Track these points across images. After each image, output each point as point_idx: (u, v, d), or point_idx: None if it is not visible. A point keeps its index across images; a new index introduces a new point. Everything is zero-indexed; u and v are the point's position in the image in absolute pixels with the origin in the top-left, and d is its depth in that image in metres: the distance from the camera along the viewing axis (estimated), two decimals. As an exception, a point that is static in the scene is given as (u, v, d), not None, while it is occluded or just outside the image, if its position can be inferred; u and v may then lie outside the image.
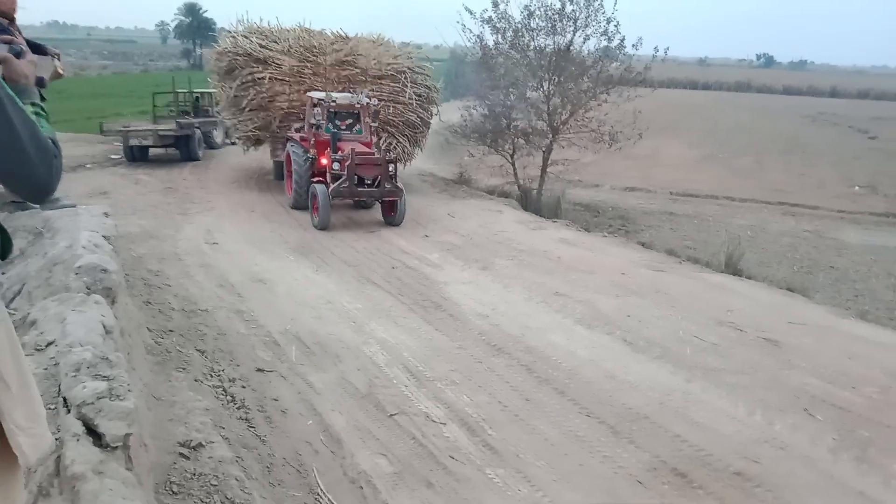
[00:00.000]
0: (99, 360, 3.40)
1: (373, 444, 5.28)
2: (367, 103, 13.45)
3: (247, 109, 15.31)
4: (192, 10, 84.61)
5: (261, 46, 15.50)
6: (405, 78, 15.93)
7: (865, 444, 5.66)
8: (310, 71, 15.49)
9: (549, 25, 16.04)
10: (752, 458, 5.35)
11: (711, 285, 9.98)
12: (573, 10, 15.74)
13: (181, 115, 21.05)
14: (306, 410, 5.78)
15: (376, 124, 14.20)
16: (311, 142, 13.24)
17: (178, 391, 5.73)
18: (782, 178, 22.11)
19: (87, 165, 18.38)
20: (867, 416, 6.14)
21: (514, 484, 4.88)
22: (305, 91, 15.11)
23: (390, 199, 12.47)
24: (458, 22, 16.65)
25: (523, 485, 4.87)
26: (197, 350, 6.74)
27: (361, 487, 4.74)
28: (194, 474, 4.40)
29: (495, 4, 16.06)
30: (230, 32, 16.52)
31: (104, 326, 3.94)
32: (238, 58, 15.41)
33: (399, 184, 12.56)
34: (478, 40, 16.69)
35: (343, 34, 16.90)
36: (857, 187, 20.85)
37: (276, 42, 15.75)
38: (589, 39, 16.19)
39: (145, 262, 9.64)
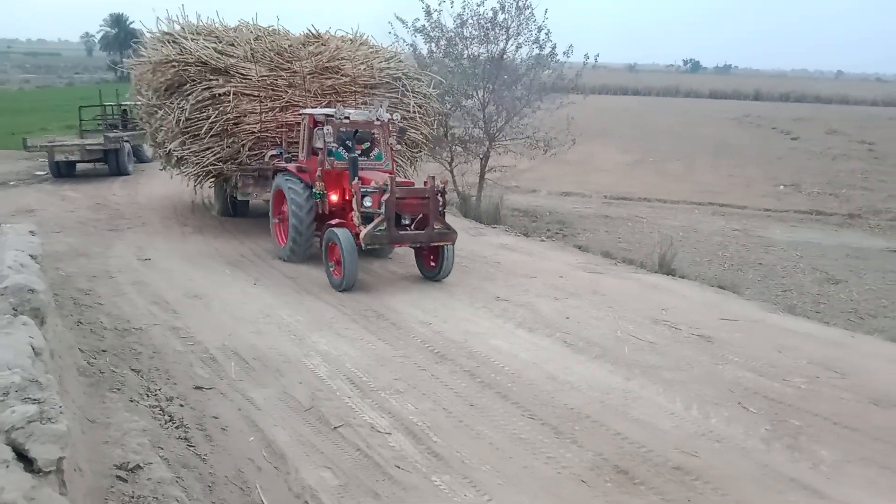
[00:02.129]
0: (28, 382, 3.27)
1: (317, 458, 5.22)
2: (389, 120, 10.74)
3: (208, 136, 11.86)
4: (118, 21, 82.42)
5: (217, 53, 12.28)
6: (403, 86, 13.21)
7: (796, 432, 5.89)
8: (284, 82, 12.34)
9: (482, 34, 16.19)
10: (690, 451, 5.50)
11: (646, 285, 10.22)
12: (505, 19, 15.93)
13: (109, 128, 20.48)
14: (248, 427, 5.69)
15: (400, 146, 11.80)
16: (318, 173, 10.35)
17: (114, 412, 5.56)
18: (711, 179, 22.79)
19: (11, 183, 17.73)
20: (797, 405, 6.38)
21: (460, 489, 4.89)
22: (281, 108, 12.26)
23: (439, 244, 9.72)
24: (389, 32, 16.52)
25: (469, 490, 4.89)
26: (132, 370, 6.56)
27: (307, 502, 4.69)
28: (133, 497, 4.28)
29: (428, 13, 16.13)
30: (169, 35, 12.96)
31: (33, 348, 3.79)
32: (188, 68, 12.03)
33: (450, 224, 9.82)
34: (411, 49, 16.74)
35: (315, 32, 13.81)
36: (781, 186, 21.64)
37: (232, 45, 12.57)
38: (521, 48, 16.40)
39: (75, 281, 9.34)
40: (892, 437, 5.86)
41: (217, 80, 12.01)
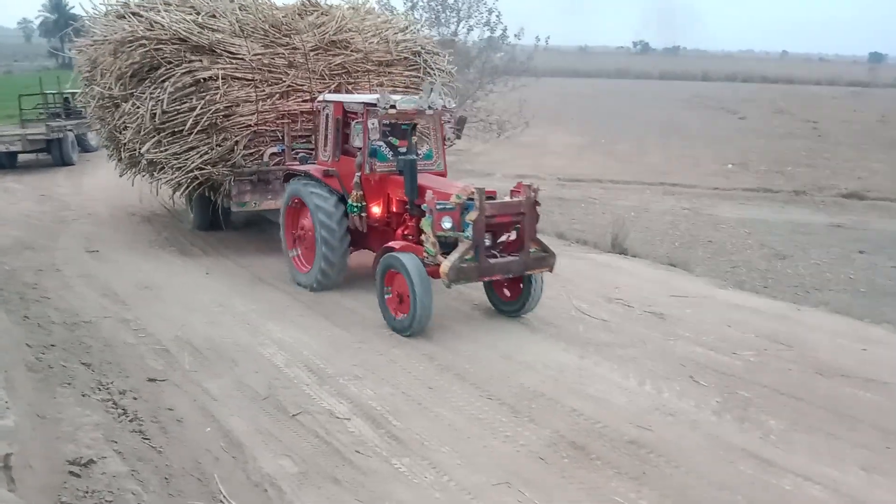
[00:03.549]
0: (-29, 380, 3.19)
1: (276, 446, 5.20)
2: (443, 107, 8.53)
3: (192, 133, 9.71)
4: (57, 6, 79.86)
5: (198, 27, 10.06)
6: (424, 63, 11.22)
7: (746, 404, 6.06)
8: (283, 61, 10.15)
9: (433, 16, 16.17)
10: (644, 426, 5.63)
11: (599, 265, 10.38)
12: (455, 1, 15.93)
13: (51, 117, 19.88)
14: (204, 417, 5.62)
15: (458, 140, 9.27)
16: (356, 179, 8.27)
17: (65, 407, 5.47)
18: (661, 160, 23.15)
19: (-52, 176, 17.11)
20: (746, 378, 6.57)
21: (421, 471, 4.93)
22: (281, 95, 10.03)
23: (536, 272, 7.65)
24: None
25: (429, 471, 4.93)
26: (82, 364, 6.43)
27: (266, 490, 4.67)
28: (87, 492, 4.22)
29: (378, -4, 15.98)
30: (128, 7, 10.77)
31: (-24, 345, 3.70)
32: (163, 47, 9.80)
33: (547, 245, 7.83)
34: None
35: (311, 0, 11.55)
36: (729, 165, 22.10)
37: (214, 17, 10.39)
38: (472, 30, 16.43)
39: (20, 276, 9.09)
40: (835, 406, 6.08)
41: (200, 60, 9.79)
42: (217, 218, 11.39)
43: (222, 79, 9.70)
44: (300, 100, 10.18)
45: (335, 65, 10.50)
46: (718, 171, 21.34)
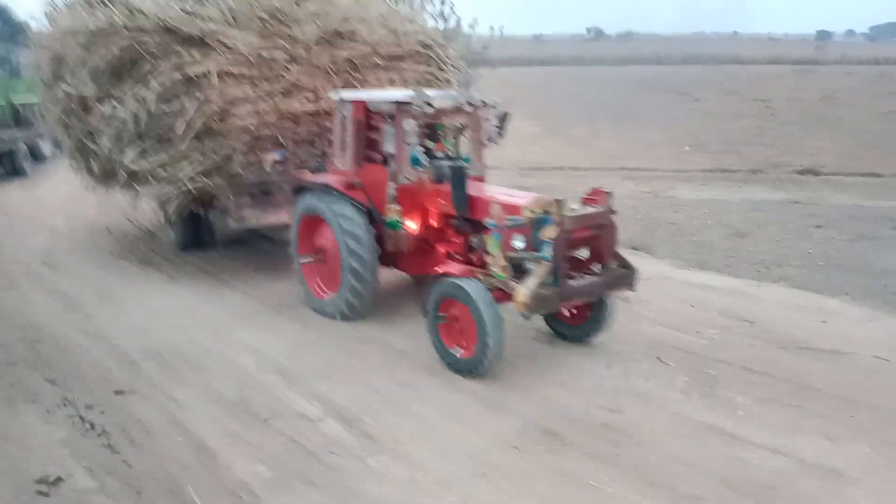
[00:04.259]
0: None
1: (248, 452, 5.16)
2: (483, 104, 7.61)
3: (184, 139, 8.51)
4: (2, 14, 77.72)
5: (186, 14, 8.77)
6: (438, 57, 10.22)
7: (712, 381, 6.19)
8: (283, 55, 8.98)
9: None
10: (614, 409, 5.72)
11: (565, 252, 10.43)
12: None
13: (2, 128, 19.36)
14: (174, 427, 5.56)
15: (502, 139, 7.82)
16: (390, 191, 7.27)
17: (29, 426, 5.37)
18: (619, 144, 23.38)
19: None
20: (711, 355, 6.71)
21: (395, 468, 4.94)
22: (283, 93, 8.87)
23: (617, 291, 6.74)
24: None
25: (403, 467, 4.95)
26: (46, 380, 6.31)
27: (241, 497, 4.64)
28: (56, 511, 4.15)
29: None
30: None
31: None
32: (147, 38, 8.56)
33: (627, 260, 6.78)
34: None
35: None
36: (686, 147, 22.42)
37: (201, 3, 9.04)
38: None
39: (-25, 293, 8.86)
40: (798, 378, 6.24)
41: (191, 54, 8.54)
42: (202, 235, 10.51)
43: (217, 75, 8.48)
44: (304, 99, 8.98)
45: (342, 59, 9.33)
46: (675, 153, 21.64)
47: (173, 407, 5.88)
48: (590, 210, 6.28)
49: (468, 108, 7.43)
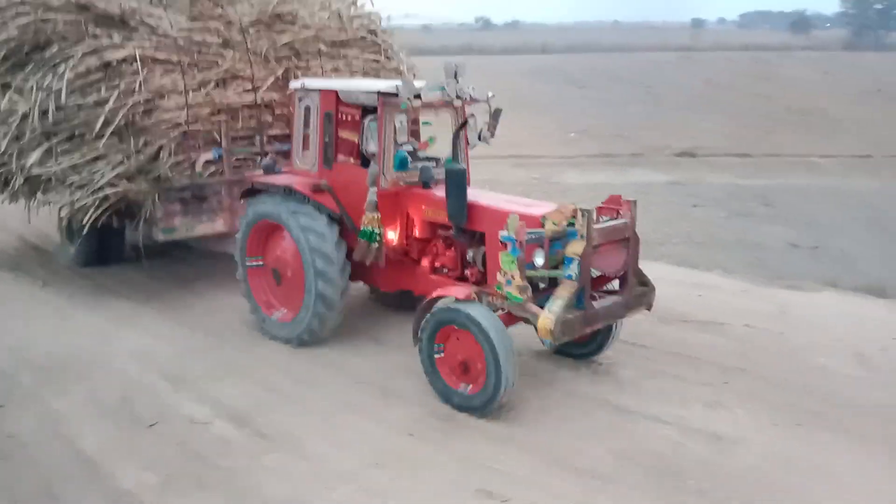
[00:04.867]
0: None
1: (134, 460, 4.93)
2: (471, 98, 6.59)
3: (105, 136, 7.35)
4: None
5: None
6: (384, 43, 9.48)
7: (599, 358, 6.39)
8: (215, 39, 8.05)
9: None
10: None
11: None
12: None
13: None
14: (53, 439, 5.25)
15: (488, 144, 7.08)
16: (370, 197, 6.14)
17: None
18: (509, 132, 23.72)
19: None
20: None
21: (292, 464, 4.85)
22: (217, 83, 7.92)
23: (637, 311, 6.06)
24: None
25: (300, 463, 4.87)
26: None
27: (127, 506, 4.43)
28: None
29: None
30: None
31: None
32: (54, 16, 7.45)
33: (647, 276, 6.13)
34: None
35: None
36: (572, 134, 23.11)
37: None
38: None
39: None
40: (679, 350, 6.58)
41: (109, 36, 7.46)
42: (109, 249, 9.28)
43: (141, 61, 7.41)
44: (241, 89, 8.07)
45: (281, 44, 8.46)
46: (563, 139, 22.26)
47: (52, 417, 5.55)
48: (615, 222, 5.65)
49: (457, 103, 6.50)
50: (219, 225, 8.07)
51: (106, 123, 7.29)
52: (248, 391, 5.92)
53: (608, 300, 5.76)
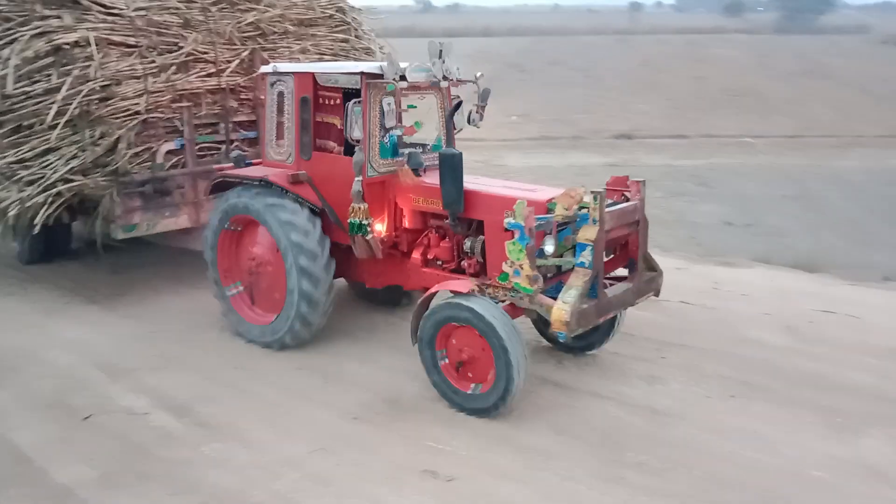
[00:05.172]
0: None
1: (69, 454, 4.80)
2: (456, 80, 6.16)
3: (57, 127, 6.85)
4: None
5: None
6: (354, 22, 9.19)
7: (539, 338, 6.48)
8: (176, 19, 7.64)
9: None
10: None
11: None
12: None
13: None
14: (-18, 436, 5.07)
15: (478, 127, 6.41)
16: (356, 187, 5.65)
17: None
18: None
19: None
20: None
21: (234, 453, 4.79)
22: (179, 67, 7.47)
23: (646, 298, 5.80)
24: None
25: (243, 451, 4.81)
26: None
27: (65, 502, 4.31)
28: None
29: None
30: None
31: None
32: None
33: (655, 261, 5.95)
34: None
35: None
36: (513, 117, 23.25)
37: None
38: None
39: None
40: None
41: (58, 17, 6.93)
42: (56, 246, 8.81)
43: (95, 44, 6.88)
44: (203, 73, 7.64)
45: (245, 24, 8.04)
46: (505, 123, 22.33)
47: (-20, 415, 5.36)
48: (625, 205, 5.40)
49: (445, 84, 6.06)
50: (183, 220, 7.63)
51: (58, 113, 6.78)
52: (188, 381, 5.82)
53: (619, 287, 5.51)
